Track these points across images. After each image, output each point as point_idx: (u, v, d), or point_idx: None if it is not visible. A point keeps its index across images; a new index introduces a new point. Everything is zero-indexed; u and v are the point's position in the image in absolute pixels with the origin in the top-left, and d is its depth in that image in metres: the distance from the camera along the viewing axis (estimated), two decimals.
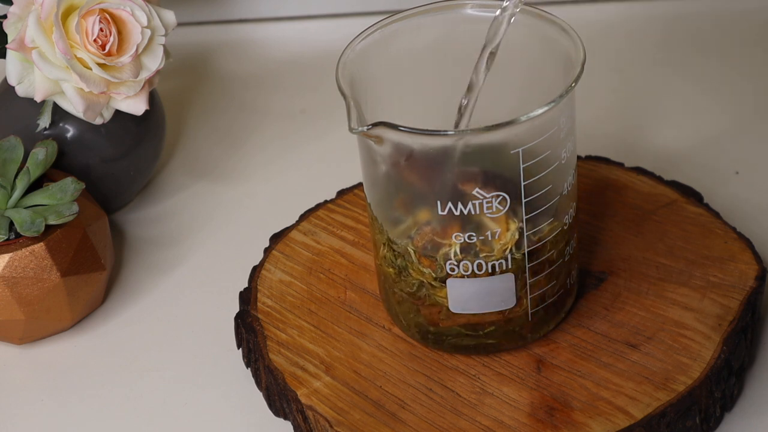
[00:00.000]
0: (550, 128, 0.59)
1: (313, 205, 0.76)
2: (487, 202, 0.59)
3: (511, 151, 0.59)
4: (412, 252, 0.62)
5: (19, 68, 0.72)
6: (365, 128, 0.58)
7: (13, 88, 0.73)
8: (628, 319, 0.66)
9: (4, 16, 0.72)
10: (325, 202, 0.75)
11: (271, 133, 0.88)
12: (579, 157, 0.76)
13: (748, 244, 0.69)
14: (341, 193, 0.76)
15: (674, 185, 0.74)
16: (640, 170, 0.75)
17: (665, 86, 0.90)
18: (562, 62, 0.62)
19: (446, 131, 0.60)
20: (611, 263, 0.69)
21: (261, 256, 0.73)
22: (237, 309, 0.70)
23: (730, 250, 0.69)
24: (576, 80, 0.59)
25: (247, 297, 0.70)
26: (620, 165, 0.76)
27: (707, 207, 0.72)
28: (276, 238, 0.73)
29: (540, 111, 0.58)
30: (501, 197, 0.60)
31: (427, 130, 0.61)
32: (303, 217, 0.75)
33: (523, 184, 0.60)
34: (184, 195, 0.83)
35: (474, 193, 0.59)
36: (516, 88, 0.65)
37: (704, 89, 0.89)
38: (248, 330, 0.68)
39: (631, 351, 0.64)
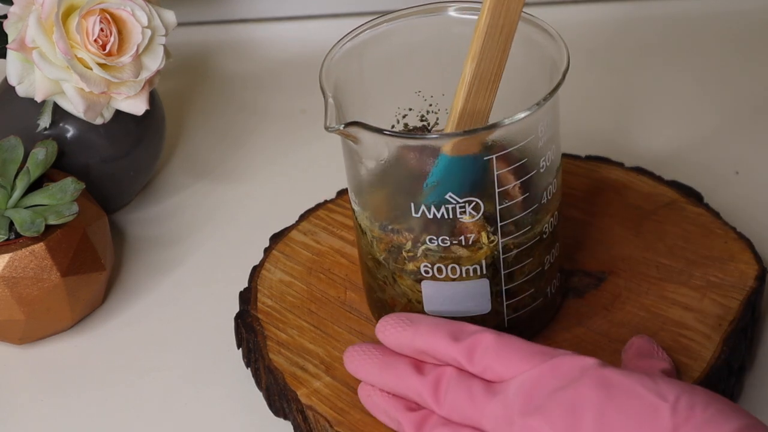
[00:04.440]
0: (527, 136, 0.59)
1: (313, 205, 0.76)
2: (461, 207, 0.59)
3: (485, 158, 0.59)
4: (378, 245, 0.63)
5: (19, 68, 0.72)
6: (340, 127, 0.58)
7: (14, 88, 0.73)
8: (629, 318, 0.66)
9: (5, 16, 0.72)
10: (325, 202, 0.75)
11: (271, 133, 0.88)
12: (578, 157, 0.76)
13: (748, 244, 0.69)
14: (341, 193, 0.76)
15: (674, 185, 0.74)
16: (640, 170, 0.75)
17: (665, 86, 0.90)
18: (548, 68, 0.61)
19: (418, 134, 0.60)
20: (611, 263, 0.69)
21: (261, 256, 0.73)
22: (237, 309, 0.70)
23: (730, 250, 0.69)
24: (556, 89, 0.59)
25: (247, 297, 0.70)
26: (620, 165, 0.76)
27: (707, 207, 0.72)
28: (276, 238, 0.73)
29: (515, 118, 0.57)
30: (474, 203, 0.59)
31: (399, 132, 0.62)
32: (303, 217, 0.75)
33: (497, 191, 0.59)
34: (184, 195, 0.83)
35: (447, 197, 0.59)
36: (500, 91, 0.64)
37: (705, 89, 0.89)
38: (248, 330, 0.68)
39: None
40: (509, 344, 0.57)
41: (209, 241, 0.79)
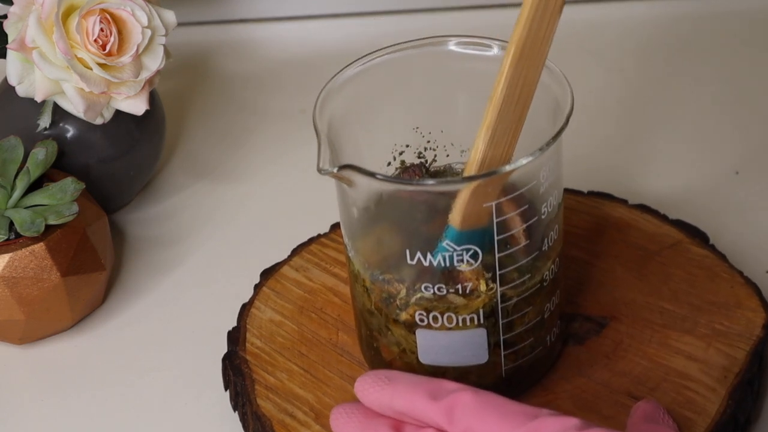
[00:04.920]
0: (528, 182, 0.57)
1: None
2: (458, 255, 0.57)
3: (484, 204, 0.57)
4: (371, 290, 0.61)
5: (19, 68, 0.72)
6: (334, 170, 0.56)
7: (14, 88, 0.73)
8: (631, 368, 0.63)
9: (5, 16, 0.72)
10: (318, 236, 0.73)
11: (271, 133, 0.88)
12: (580, 193, 0.74)
13: (755, 289, 0.67)
14: (335, 227, 0.73)
15: (679, 225, 0.71)
16: (644, 208, 0.72)
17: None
18: (551, 108, 0.59)
19: (415, 180, 0.58)
20: (613, 308, 0.66)
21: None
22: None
23: (736, 296, 0.66)
24: (559, 133, 0.56)
25: (235, 337, 0.67)
26: (624, 202, 0.73)
27: (713, 248, 0.69)
28: (267, 273, 0.71)
29: (516, 164, 0.55)
30: (472, 251, 0.57)
31: (395, 178, 0.59)
32: (295, 251, 0.72)
33: (496, 238, 0.57)
34: (184, 195, 0.83)
35: (444, 245, 0.57)
36: None
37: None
38: (236, 372, 0.65)
39: (634, 403, 0.61)
40: (489, 403, 0.55)
41: (209, 241, 0.79)
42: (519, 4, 0.56)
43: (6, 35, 0.72)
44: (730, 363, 0.63)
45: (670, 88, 0.89)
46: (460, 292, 0.58)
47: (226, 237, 0.79)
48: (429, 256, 0.57)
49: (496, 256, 0.58)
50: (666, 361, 0.63)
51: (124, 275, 0.77)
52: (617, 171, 0.81)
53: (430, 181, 0.59)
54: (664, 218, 0.72)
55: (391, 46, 0.63)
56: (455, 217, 0.57)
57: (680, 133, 0.85)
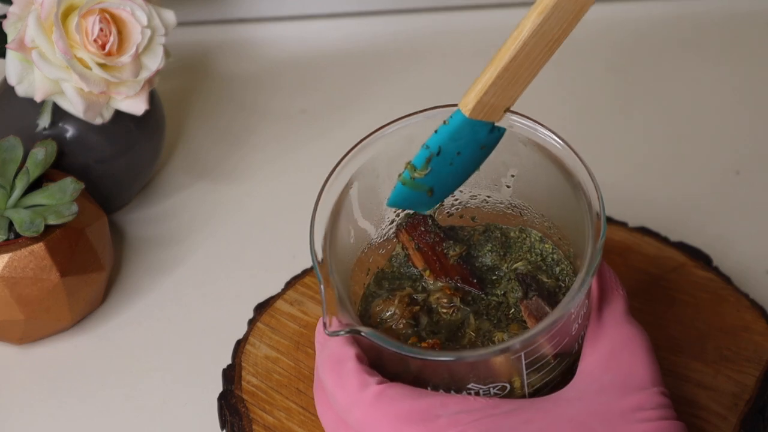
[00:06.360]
0: (558, 322, 0.53)
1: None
2: (485, 391, 0.55)
3: (512, 357, 0.54)
4: None
5: (19, 68, 0.72)
6: (343, 332, 0.53)
7: (13, 88, 0.73)
8: None
9: (4, 16, 0.72)
10: (312, 268, 0.71)
11: (271, 133, 0.88)
12: None
13: (762, 312, 0.66)
14: None
15: (681, 247, 0.69)
16: (644, 230, 0.71)
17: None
18: (585, 199, 0.56)
19: (435, 355, 0.54)
20: None
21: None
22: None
23: (743, 320, 0.65)
24: (592, 271, 0.52)
25: (230, 375, 0.65)
26: (623, 225, 0.72)
27: (717, 271, 0.68)
28: (260, 308, 0.69)
29: (544, 324, 0.52)
30: (500, 386, 0.55)
31: (411, 349, 0.54)
32: (289, 284, 0.70)
33: (525, 372, 0.55)
34: (184, 195, 0.83)
35: (470, 386, 0.55)
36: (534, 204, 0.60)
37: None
38: (233, 412, 0.64)
39: None
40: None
41: (209, 241, 0.79)
42: (518, 5, 0.54)
43: (5, 35, 0.72)
44: (740, 390, 0.61)
45: (661, 91, 0.89)
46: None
47: (226, 237, 0.79)
48: (452, 391, 0.54)
49: (525, 382, 0.55)
50: (674, 389, 0.62)
51: (124, 275, 0.77)
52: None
53: (450, 357, 0.53)
54: (665, 240, 0.70)
55: (401, 118, 0.60)
56: (468, 101, 0.51)
57: (675, 136, 0.85)
